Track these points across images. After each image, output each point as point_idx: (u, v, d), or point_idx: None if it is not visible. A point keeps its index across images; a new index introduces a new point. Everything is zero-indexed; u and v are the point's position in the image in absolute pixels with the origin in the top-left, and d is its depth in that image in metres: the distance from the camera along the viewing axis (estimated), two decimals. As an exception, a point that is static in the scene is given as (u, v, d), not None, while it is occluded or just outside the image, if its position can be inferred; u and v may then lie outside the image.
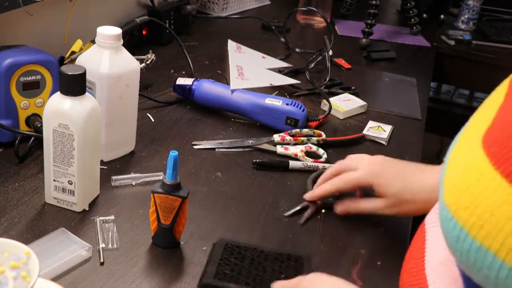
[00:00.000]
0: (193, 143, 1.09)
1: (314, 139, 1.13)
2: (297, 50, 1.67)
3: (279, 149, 1.09)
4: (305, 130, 1.15)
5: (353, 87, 1.42)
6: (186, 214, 0.80)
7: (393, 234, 0.92)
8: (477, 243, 0.46)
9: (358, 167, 0.89)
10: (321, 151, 1.10)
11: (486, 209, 0.45)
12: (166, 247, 0.81)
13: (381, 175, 0.86)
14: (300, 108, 1.16)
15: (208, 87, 1.21)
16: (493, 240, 0.45)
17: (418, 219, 0.98)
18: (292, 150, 1.09)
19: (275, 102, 1.17)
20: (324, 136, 1.14)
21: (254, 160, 1.05)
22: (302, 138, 1.13)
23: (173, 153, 0.76)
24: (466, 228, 0.46)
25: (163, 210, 0.78)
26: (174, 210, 0.78)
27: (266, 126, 1.18)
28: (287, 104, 1.16)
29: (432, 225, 0.66)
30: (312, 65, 1.51)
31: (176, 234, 0.81)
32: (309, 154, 1.10)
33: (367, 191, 0.91)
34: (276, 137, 1.13)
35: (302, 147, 1.10)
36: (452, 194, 0.49)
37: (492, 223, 0.45)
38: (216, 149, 1.09)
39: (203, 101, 1.22)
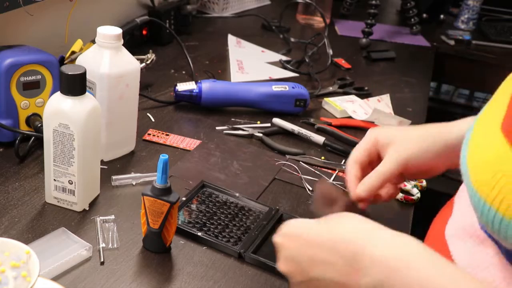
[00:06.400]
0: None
1: (413, 182, 1.03)
2: (292, 39, 1.71)
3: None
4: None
5: (366, 88, 1.43)
6: (175, 220, 0.79)
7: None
8: (500, 215, 0.50)
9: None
10: (415, 191, 1.01)
11: (506, 185, 0.50)
12: (155, 251, 0.80)
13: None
14: (304, 89, 1.24)
15: (215, 89, 1.21)
16: None
17: (416, 220, 0.98)
18: None
19: (281, 88, 1.23)
20: (424, 183, 1.05)
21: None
22: None
23: (163, 157, 0.75)
24: (488, 202, 0.51)
25: (151, 214, 0.78)
26: (162, 215, 0.77)
27: (268, 117, 1.21)
28: (293, 88, 1.23)
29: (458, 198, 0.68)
30: (311, 52, 1.58)
31: (164, 239, 0.79)
32: (402, 190, 1.02)
33: None
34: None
35: None
36: (476, 173, 0.54)
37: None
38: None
39: (212, 104, 1.22)
